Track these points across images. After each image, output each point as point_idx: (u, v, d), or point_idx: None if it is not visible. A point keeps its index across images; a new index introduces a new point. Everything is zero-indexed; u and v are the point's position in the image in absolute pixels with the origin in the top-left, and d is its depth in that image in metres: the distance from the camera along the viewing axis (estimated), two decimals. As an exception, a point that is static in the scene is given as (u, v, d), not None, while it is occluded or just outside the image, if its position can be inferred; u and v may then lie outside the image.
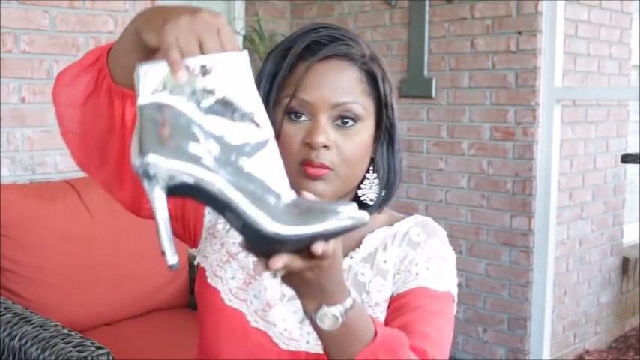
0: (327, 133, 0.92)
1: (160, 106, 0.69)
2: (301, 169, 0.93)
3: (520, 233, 2.94)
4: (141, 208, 0.96)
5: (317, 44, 0.95)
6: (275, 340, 0.98)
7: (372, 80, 0.97)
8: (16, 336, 1.76)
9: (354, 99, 0.94)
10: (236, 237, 0.99)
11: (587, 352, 3.37)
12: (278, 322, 0.98)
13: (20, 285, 2.16)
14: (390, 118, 0.99)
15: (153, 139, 0.68)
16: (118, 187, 0.92)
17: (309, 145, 0.92)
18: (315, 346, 0.96)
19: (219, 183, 0.68)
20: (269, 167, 0.71)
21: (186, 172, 0.68)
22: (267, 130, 0.71)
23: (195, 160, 0.68)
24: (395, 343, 0.83)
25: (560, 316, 3.17)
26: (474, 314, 3.11)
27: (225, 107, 0.70)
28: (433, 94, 3.15)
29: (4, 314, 1.86)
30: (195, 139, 0.69)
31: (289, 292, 0.98)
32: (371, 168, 1.00)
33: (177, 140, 0.68)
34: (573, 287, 3.27)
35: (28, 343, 1.72)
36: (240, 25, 3.43)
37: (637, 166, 3.35)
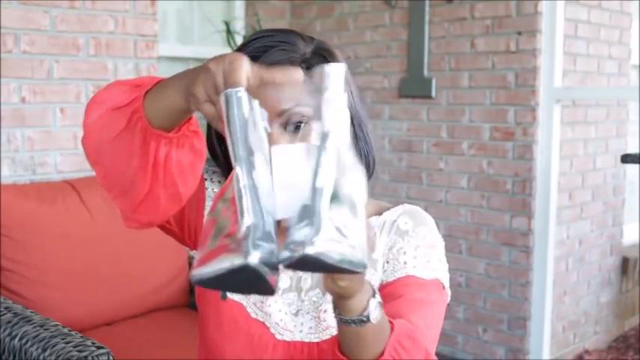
0: (278, 142, 0.92)
1: None
2: None
3: (520, 233, 2.95)
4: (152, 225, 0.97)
5: (252, 58, 0.95)
6: (272, 330, 1.01)
7: None
8: (16, 336, 1.76)
9: (297, 102, 0.94)
10: None
11: (586, 351, 3.37)
12: (274, 314, 1.01)
13: (20, 285, 2.17)
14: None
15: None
16: (133, 213, 0.92)
17: None
18: (308, 335, 0.99)
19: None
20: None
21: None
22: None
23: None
24: (410, 329, 0.87)
25: (560, 316, 3.17)
26: (473, 314, 3.11)
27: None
28: (433, 94, 3.16)
29: (4, 314, 1.86)
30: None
31: (284, 285, 1.02)
32: None
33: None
34: (573, 287, 3.27)
35: (29, 343, 1.72)
36: (240, 25, 3.43)
37: (636, 166, 3.35)
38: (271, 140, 0.89)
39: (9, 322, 1.82)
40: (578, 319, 3.33)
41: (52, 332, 1.74)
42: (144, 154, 0.85)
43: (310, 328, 1.00)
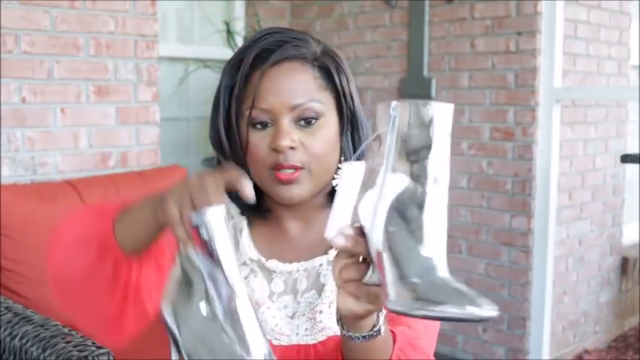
0: (290, 135, 0.96)
1: None
2: (273, 174, 0.97)
3: (520, 233, 2.95)
4: None
5: (266, 51, 0.98)
6: (268, 337, 1.00)
7: (327, 75, 1.00)
8: (16, 335, 1.76)
9: (310, 98, 0.97)
10: None
11: (586, 351, 3.38)
12: (269, 320, 1.01)
13: (21, 285, 2.17)
14: (351, 107, 1.03)
15: None
16: (104, 337, 1.00)
17: (275, 150, 0.96)
18: (304, 338, 1.00)
19: None
20: None
21: None
22: None
23: None
24: (411, 336, 0.89)
25: (560, 316, 3.17)
26: (473, 314, 3.12)
27: None
28: (433, 95, 3.16)
29: (4, 314, 1.86)
30: None
31: (278, 289, 1.02)
32: (342, 158, 1.03)
33: None
34: (573, 287, 3.28)
35: (29, 343, 1.72)
36: (240, 25, 3.43)
37: (635, 166, 3.35)
38: (282, 133, 0.95)
39: (9, 321, 1.82)
40: (578, 318, 3.33)
41: (52, 332, 1.74)
42: (115, 279, 0.88)
43: (306, 329, 1.00)
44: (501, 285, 3.02)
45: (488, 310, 0.65)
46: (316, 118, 0.97)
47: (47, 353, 1.66)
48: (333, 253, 1.00)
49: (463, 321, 0.65)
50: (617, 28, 3.46)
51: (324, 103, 0.98)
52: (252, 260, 1.04)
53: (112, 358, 1.64)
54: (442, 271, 0.68)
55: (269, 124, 0.97)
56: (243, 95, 0.98)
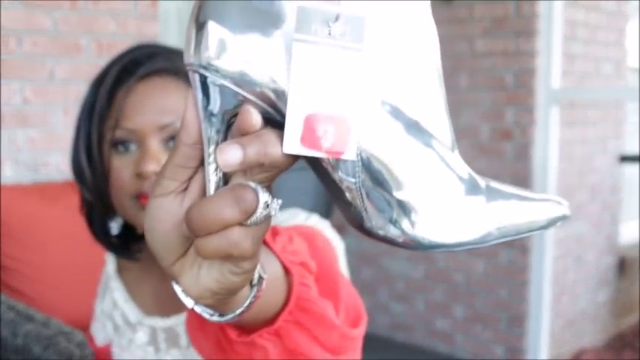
0: (158, 159, 0.82)
1: None
2: (137, 202, 0.84)
3: (518, 233, 2.96)
4: None
5: (134, 64, 0.86)
6: None
7: None
8: (18, 334, 1.78)
9: (181, 117, 0.83)
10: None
11: (584, 350, 3.39)
12: None
13: (23, 283, 2.19)
14: None
15: None
16: None
17: (140, 176, 0.82)
18: None
19: None
20: None
21: None
22: None
23: None
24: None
25: (558, 315, 3.18)
26: (472, 313, 3.13)
27: None
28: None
29: (6, 313, 1.88)
30: None
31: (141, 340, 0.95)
32: None
33: None
34: (571, 286, 3.29)
35: (31, 342, 1.74)
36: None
37: (633, 166, 3.37)
38: (148, 156, 0.81)
39: (11, 320, 1.84)
40: (576, 317, 3.35)
41: (54, 331, 1.76)
42: None
43: None
44: (500, 284, 3.04)
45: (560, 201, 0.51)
46: None
47: (49, 351, 1.68)
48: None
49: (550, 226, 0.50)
50: (615, 29, 3.47)
51: None
52: (127, 321, 0.95)
53: (113, 356, 1.66)
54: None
55: (134, 147, 0.84)
56: (107, 114, 0.86)
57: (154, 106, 0.84)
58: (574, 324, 3.34)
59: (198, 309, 0.49)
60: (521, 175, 2.94)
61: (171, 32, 3.44)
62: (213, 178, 0.43)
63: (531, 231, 0.49)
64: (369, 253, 3.41)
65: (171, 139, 0.84)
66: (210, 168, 0.43)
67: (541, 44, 2.88)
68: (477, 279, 3.10)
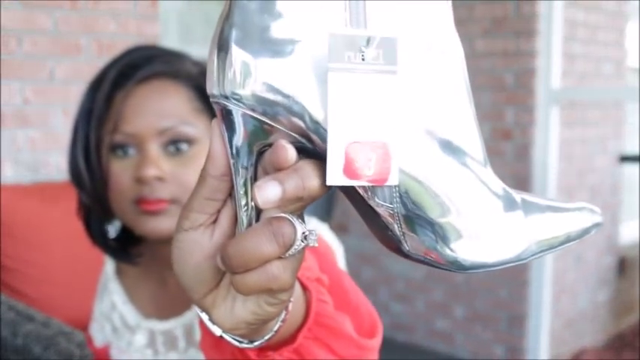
0: (158, 164, 0.82)
1: None
2: (137, 207, 0.83)
3: (518, 233, 2.96)
4: None
5: (132, 67, 0.84)
6: None
7: (206, 97, 0.86)
8: (19, 334, 1.78)
9: (182, 121, 0.83)
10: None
11: (584, 350, 3.39)
12: None
13: (23, 283, 2.19)
14: None
15: None
16: None
17: (140, 180, 0.81)
18: None
19: None
20: None
21: None
22: None
23: None
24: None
25: (558, 315, 3.19)
26: (472, 313, 3.13)
27: None
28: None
29: (6, 313, 1.88)
30: None
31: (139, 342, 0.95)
32: None
33: None
34: (571, 286, 3.29)
35: (31, 342, 1.74)
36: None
37: (633, 166, 3.37)
38: (148, 161, 0.80)
39: (11, 320, 1.84)
40: (576, 317, 3.35)
41: (54, 331, 1.76)
42: None
43: None
44: (500, 284, 3.04)
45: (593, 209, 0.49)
46: (189, 144, 0.83)
47: (50, 352, 1.68)
48: None
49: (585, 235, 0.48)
50: (615, 29, 3.47)
51: (199, 128, 0.84)
52: (125, 323, 0.95)
53: (113, 356, 1.66)
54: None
55: (132, 151, 0.84)
56: (105, 118, 0.84)
57: (152, 109, 0.83)
58: (574, 324, 3.34)
59: (227, 337, 0.48)
60: (521, 175, 2.94)
61: (171, 32, 3.44)
62: (245, 212, 0.42)
63: (568, 242, 0.48)
64: (370, 253, 3.41)
65: (171, 143, 0.83)
66: (242, 201, 0.42)
67: (541, 44, 2.88)
68: (477, 279, 3.10)
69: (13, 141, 2.43)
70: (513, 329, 3.01)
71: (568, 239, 0.48)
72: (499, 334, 3.06)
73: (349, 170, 0.40)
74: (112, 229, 0.92)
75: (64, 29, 2.51)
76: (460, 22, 3.26)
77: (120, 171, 0.84)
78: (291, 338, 0.55)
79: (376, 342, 0.64)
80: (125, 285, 0.98)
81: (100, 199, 0.87)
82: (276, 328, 0.49)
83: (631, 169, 3.64)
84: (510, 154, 2.97)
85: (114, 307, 0.97)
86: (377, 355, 0.65)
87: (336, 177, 0.40)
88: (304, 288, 0.57)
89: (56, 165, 2.52)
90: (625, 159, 3.57)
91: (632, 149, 3.66)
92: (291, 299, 0.48)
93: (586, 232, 0.48)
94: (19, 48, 2.41)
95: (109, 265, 1.01)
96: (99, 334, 1.00)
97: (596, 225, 0.49)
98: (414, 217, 0.43)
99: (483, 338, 3.11)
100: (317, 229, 0.86)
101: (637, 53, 3.68)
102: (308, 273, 0.59)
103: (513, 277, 2.99)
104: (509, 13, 2.93)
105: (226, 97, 0.41)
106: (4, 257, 2.18)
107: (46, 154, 2.50)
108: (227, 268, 0.40)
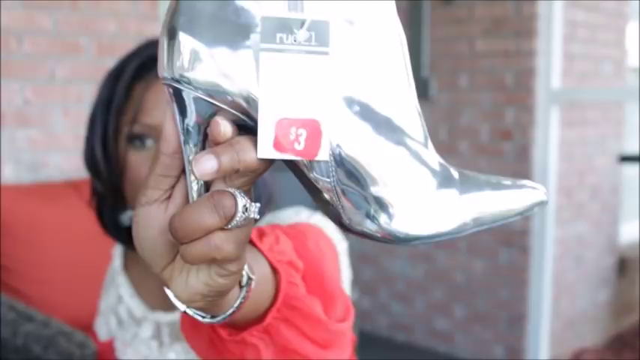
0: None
1: None
2: None
3: (518, 233, 2.96)
4: None
5: (153, 60, 0.83)
6: None
7: None
8: (19, 334, 1.78)
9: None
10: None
11: (584, 350, 3.39)
12: None
13: (23, 283, 2.19)
14: None
15: None
16: None
17: None
18: None
19: None
20: None
21: None
22: None
23: None
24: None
25: (558, 315, 3.19)
26: (472, 313, 3.14)
27: None
28: (432, 95, 3.18)
29: (7, 313, 1.88)
30: None
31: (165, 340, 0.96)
32: None
33: None
34: (571, 286, 3.29)
35: (31, 341, 1.74)
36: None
37: (633, 166, 3.37)
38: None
39: (12, 320, 1.84)
40: (576, 317, 3.35)
41: (54, 331, 1.76)
42: None
43: None
44: (500, 284, 3.04)
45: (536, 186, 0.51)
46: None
47: (50, 352, 1.68)
48: None
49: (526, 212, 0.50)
50: (615, 29, 3.47)
51: None
52: (132, 316, 0.96)
53: (113, 356, 1.66)
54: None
55: (151, 142, 0.85)
56: (124, 109, 0.86)
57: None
58: (574, 324, 3.34)
59: (190, 312, 0.50)
60: (521, 175, 2.92)
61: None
62: (194, 187, 0.45)
63: (508, 218, 0.51)
64: (370, 254, 3.42)
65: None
66: (191, 177, 0.45)
67: (541, 44, 2.88)
68: (477, 279, 3.10)
69: (13, 141, 2.43)
70: (513, 329, 3.01)
71: (507, 215, 0.50)
72: (499, 334, 3.06)
73: (279, 144, 0.43)
74: (127, 219, 0.93)
75: (64, 29, 2.51)
76: (460, 22, 3.28)
77: (137, 162, 0.85)
78: (261, 319, 0.57)
79: (346, 326, 0.66)
80: (132, 278, 0.99)
81: (115, 188, 0.88)
82: (237, 304, 0.51)
83: (631, 169, 3.64)
84: (510, 154, 2.97)
85: (120, 300, 0.98)
86: (349, 339, 0.68)
87: (266, 150, 0.43)
88: (275, 270, 0.58)
89: (56, 165, 2.52)
90: (625, 159, 3.57)
91: (632, 149, 3.66)
92: (252, 276, 0.51)
93: (528, 209, 0.51)
94: (19, 48, 2.41)
95: (116, 260, 1.03)
96: (103, 328, 1.01)
97: (540, 203, 0.51)
98: (350, 191, 0.45)
99: (483, 338, 3.11)
100: (321, 223, 0.87)
101: (637, 53, 3.68)
102: (279, 256, 0.61)
103: (513, 277, 2.99)
104: (509, 13, 2.93)
105: (176, 80, 0.44)
106: (4, 257, 2.18)
107: (46, 154, 2.50)
108: (174, 238, 0.43)
